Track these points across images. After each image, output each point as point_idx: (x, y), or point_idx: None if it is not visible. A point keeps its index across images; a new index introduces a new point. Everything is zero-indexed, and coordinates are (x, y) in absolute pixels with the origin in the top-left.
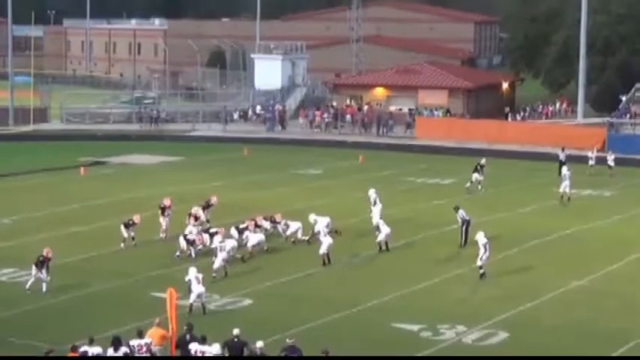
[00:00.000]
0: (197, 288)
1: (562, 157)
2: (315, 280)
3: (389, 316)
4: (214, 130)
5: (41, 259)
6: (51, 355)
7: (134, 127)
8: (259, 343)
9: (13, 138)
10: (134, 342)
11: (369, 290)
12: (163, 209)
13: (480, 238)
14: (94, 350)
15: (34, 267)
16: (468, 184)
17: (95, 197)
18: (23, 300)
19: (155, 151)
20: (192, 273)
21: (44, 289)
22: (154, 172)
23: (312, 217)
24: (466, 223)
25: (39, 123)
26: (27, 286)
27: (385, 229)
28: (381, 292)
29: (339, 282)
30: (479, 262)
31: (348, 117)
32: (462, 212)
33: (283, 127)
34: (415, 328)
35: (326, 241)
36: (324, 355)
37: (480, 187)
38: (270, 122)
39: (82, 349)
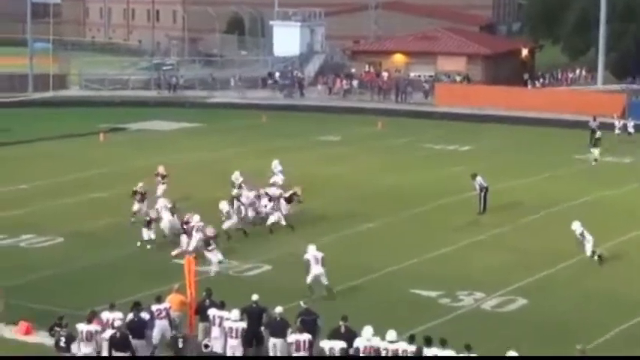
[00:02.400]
0: (315, 269)
1: (594, 125)
2: (332, 248)
3: (407, 283)
4: (232, 96)
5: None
6: (63, 322)
7: (152, 93)
8: (278, 309)
9: (32, 104)
10: (154, 307)
11: (386, 257)
12: (162, 177)
13: (577, 227)
14: (115, 315)
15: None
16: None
17: (114, 163)
18: (42, 266)
19: (173, 117)
20: (312, 252)
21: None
22: (172, 139)
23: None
24: (484, 189)
25: (58, 89)
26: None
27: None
28: (398, 259)
29: (355, 249)
30: (589, 252)
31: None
32: (479, 179)
33: (302, 94)
34: (434, 294)
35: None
36: (343, 320)
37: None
38: (289, 89)
39: (103, 314)
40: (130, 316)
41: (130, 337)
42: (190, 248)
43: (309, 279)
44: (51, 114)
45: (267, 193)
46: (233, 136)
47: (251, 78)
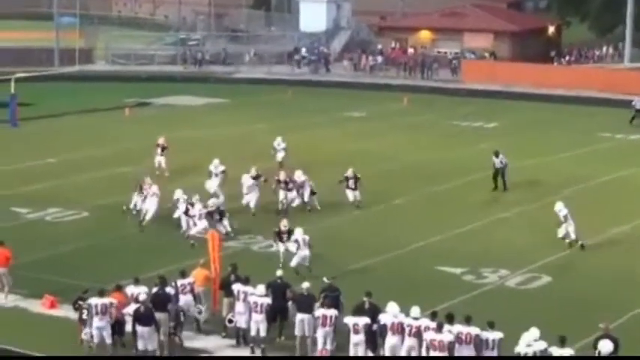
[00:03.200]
0: (302, 251)
1: (638, 105)
2: (357, 224)
3: (432, 259)
4: (258, 72)
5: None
6: (86, 295)
7: (178, 68)
8: (305, 284)
9: (58, 78)
10: (178, 281)
11: (411, 234)
12: (162, 148)
13: (561, 208)
14: (140, 290)
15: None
16: None
17: (140, 138)
18: (67, 240)
19: (199, 92)
20: (298, 235)
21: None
22: (198, 114)
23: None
24: (502, 168)
25: (84, 64)
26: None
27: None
28: (423, 236)
29: (381, 225)
30: (568, 237)
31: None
32: (502, 157)
33: (327, 70)
34: (458, 271)
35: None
36: (367, 296)
37: None
38: (315, 64)
39: (128, 288)
40: (154, 290)
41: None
42: (192, 232)
43: (294, 262)
44: (77, 88)
45: (290, 180)
46: (259, 112)
47: (277, 53)
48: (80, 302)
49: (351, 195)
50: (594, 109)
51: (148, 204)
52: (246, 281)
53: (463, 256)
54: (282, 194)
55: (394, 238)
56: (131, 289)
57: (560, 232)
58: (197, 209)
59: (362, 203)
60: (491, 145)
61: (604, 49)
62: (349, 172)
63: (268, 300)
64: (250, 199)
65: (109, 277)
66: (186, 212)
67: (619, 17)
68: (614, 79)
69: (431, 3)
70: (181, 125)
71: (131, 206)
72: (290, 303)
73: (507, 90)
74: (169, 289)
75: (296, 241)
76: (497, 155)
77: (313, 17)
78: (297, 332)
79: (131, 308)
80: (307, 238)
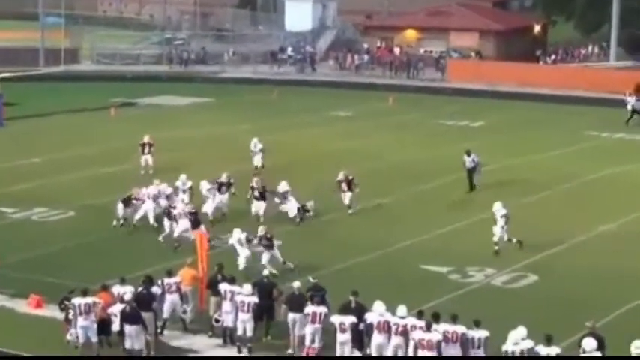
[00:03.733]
0: (243, 251)
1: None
2: (344, 223)
3: (418, 258)
4: (244, 71)
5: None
6: (72, 295)
7: (164, 68)
8: (296, 283)
9: (43, 78)
10: (165, 280)
11: (397, 232)
12: (148, 146)
13: (499, 209)
14: (125, 289)
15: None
16: None
17: (125, 138)
18: (54, 239)
19: (185, 92)
20: (236, 235)
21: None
22: (183, 113)
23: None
24: (474, 167)
25: (70, 64)
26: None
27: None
28: (408, 235)
29: (367, 224)
30: (501, 239)
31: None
32: (474, 156)
33: (313, 69)
34: (444, 270)
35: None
36: (354, 295)
37: None
38: (301, 64)
39: (114, 288)
40: (139, 289)
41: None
42: (175, 234)
43: (241, 265)
44: (62, 88)
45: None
46: (244, 111)
47: (262, 53)
48: (66, 302)
49: (346, 198)
50: (580, 108)
51: (148, 205)
52: (232, 281)
53: (449, 255)
54: (254, 206)
55: (380, 237)
56: (117, 289)
57: (498, 235)
58: (180, 208)
59: (356, 208)
60: (479, 144)
61: (589, 48)
62: (341, 176)
63: (255, 299)
64: (207, 209)
65: (95, 276)
66: (168, 214)
67: (604, 16)
68: (599, 78)
69: (417, 2)
70: (166, 125)
71: (121, 221)
72: (284, 305)
73: (493, 89)
74: (156, 289)
75: (237, 242)
76: (469, 154)
77: (299, 16)
78: (291, 332)
79: (117, 308)
80: (244, 236)
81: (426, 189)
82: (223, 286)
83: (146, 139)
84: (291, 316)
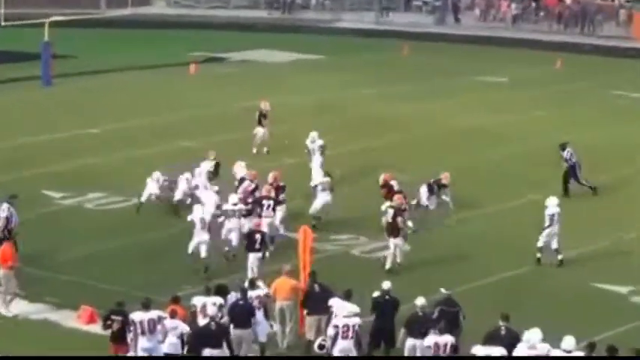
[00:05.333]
0: (200, 235)
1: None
2: (494, 224)
3: (587, 274)
4: (366, 21)
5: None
6: (121, 309)
7: (261, 13)
8: (421, 300)
9: (106, 25)
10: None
11: (563, 238)
12: (262, 116)
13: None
14: (211, 299)
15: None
16: None
17: (208, 104)
18: (111, 234)
19: (288, 46)
20: (197, 213)
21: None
22: (285, 75)
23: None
24: (572, 166)
25: (138, 6)
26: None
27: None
28: (579, 240)
29: (522, 226)
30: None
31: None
32: (569, 150)
33: (456, 20)
34: (624, 290)
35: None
36: (504, 320)
37: None
38: (441, 12)
39: (196, 299)
40: (233, 298)
41: (232, 326)
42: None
43: (190, 247)
44: (128, 37)
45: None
46: (363, 74)
47: None
48: (113, 317)
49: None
50: None
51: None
52: (346, 296)
53: (629, 271)
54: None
55: (533, 243)
56: (199, 300)
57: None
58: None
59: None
60: None
61: None
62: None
63: (358, 321)
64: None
65: (159, 283)
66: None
67: None
68: None
69: None
70: (263, 89)
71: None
72: (403, 329)
73: None
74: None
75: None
76: (563, 148)
77: None
78: None
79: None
80: (208, 218)
81: (605, 183)
82: (335, 303)
83: (263, 105)
84: (410, 342)
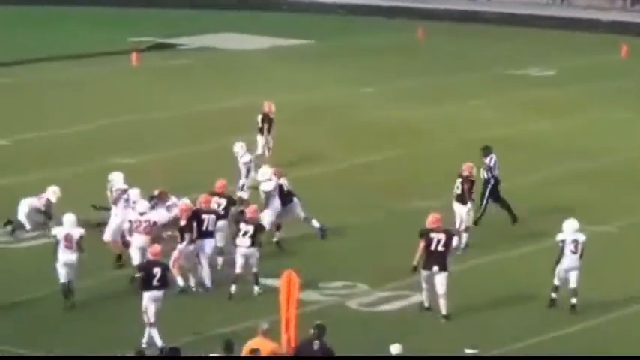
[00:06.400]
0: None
1: None
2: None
3: None
4: None
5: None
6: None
7: None
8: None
9: (31, 2)
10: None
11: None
12: (264, 120)
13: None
14: None
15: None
16: None
17: (155, 105)
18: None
19: (261, 28)
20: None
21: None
22: (258, 67)
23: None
24: (489, 180)
25: None
26: None
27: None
28: None
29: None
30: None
31: None
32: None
33: None
34: None
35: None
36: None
37: None
38: None
39: None
40: None
41: None
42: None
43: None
44: (57, 17)
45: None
46: (363, 64)
47: None
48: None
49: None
50: None
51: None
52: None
53: None
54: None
55: (609, 292)
56: None
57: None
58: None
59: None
60: None
61: None
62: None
63: None
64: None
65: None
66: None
67: None
68: None
69: None
70: (231, 86)
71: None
72: None
73: None
74: None
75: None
76: (486, 154)
77: None
78: None
79: None
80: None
81: None
82: None
83: (266, 107)
84: None
